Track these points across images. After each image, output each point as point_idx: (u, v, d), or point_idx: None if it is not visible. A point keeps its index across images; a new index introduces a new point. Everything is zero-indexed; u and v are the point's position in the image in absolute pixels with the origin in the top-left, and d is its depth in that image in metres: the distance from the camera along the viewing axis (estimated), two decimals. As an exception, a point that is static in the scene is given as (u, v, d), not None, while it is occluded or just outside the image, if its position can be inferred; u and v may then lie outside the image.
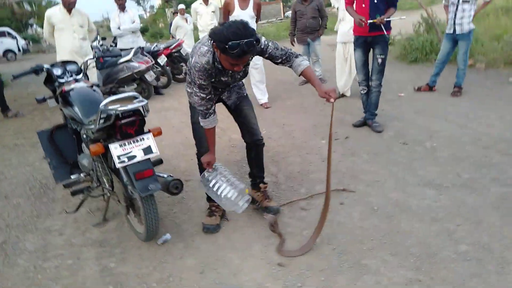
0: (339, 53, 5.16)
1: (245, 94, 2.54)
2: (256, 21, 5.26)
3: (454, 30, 4.69)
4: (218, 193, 2.33)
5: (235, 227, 2.56)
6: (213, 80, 2.17)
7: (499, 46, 6.21)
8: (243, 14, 4.90)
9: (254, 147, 2.61)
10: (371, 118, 4.05)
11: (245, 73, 2.34)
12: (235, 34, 1.86)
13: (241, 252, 2.32)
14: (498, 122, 3.85)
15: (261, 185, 2.70)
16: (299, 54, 2.23)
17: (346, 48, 5.05)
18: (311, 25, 5.81)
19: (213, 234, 2.52)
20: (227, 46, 1.87)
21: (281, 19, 21.69)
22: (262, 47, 2.13)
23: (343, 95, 5.31)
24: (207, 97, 2.18)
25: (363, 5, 3.70)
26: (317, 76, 2.14)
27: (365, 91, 4.08)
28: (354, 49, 4.01)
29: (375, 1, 3.65)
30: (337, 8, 5.20)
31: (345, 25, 4.93)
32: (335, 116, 4.69)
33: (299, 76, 2.25)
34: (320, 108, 4.89)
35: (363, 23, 3.59)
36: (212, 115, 2.26)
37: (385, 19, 3.57)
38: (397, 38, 8.22)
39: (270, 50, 2.16)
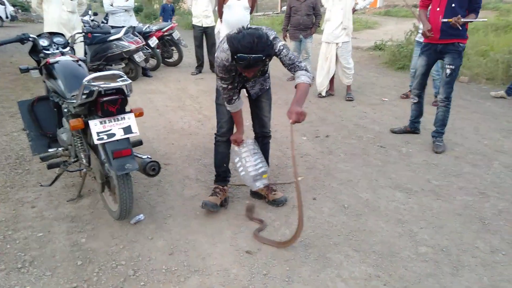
0: (321, 52, 5.24)
1: (267, 87, 2.59)
2: (251, 12, 5.27)
3: None
4: (240, 169, 2.59)
5: (209, 214, 2.61)
6: (233, 74, 2.28)
7: (484, 62, 6.39)
8: (238, 4, 4.91)
9: (261, 138, 2.72)
10: (436, 136, 3.65)
11: (264, 72, 2.41)
12: (246, 47, 1.94)
13: (212, 237, 2.37)
14: (472, 134, 4.00)
15: None
16: (305, 68, 2.26)
17: (328, 48, 5.12)
18: (305, 22, 5.85)
19: (186, 218, 2.56)
20: (236, 57, 1.97)
21: (278, 13, 21.64)
22: (276, 51, 2.20)
23: (330, 94, 5.43)
24: (229, 87, 2.32)
25: (438, 9, 3.30)
26: (303, 95, 2.17)
27: (416, 100, 3.79)
28: (420, 55, 3.69)
29: (453, 5, 3.21)
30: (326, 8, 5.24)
31: (330, 26, 5.01)
32: (318, 115, 4.77)
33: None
34: (304, 105, 4.94)
35: (430, 35, 3.29)
36: (236, 101, 2.41)
37: (461, 20, 3.15)
38: (388, 44, 8.34)
39: (281, 56, 2.23)
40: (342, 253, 2.22)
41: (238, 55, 1.95)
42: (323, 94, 5.38)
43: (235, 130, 2.64)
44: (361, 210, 2.65)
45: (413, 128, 3.91)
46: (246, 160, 2.56)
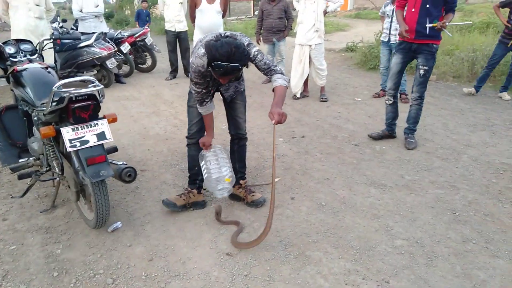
0: (295, 55, 5.30)
1: (242, 90, 2.61)
2: (223, 16, 5.29)
3: (389, 39, 5.03)
4: (203, 172, 2.52)
5: (188, 217, 2.60)
6: (208, 79, 2.30)
7: (450, 61, 6.65)
8: (210, 9, 4.92)
9: (237, 140, 2.73)
10: (408, 133, 3.74)
11: (238, 77, 2.44)
12: (223, 56, 1.96)
13: (191, 241, 2.36)
14: (441, 130, 4.15)
15: (241, 181, 2.76)
16: (280, 71, 2.29)
17: (302, 50, 5.19)
18: (277, 25, 5.91)
19: (165, 224, 2.54)
20: (213, 64, 1.99)
21: (250, 17, 21.76)
22: (251, 57, 2.23)
23: (305, 96, 5.50)
24: (202, 92, 2.35)
25: (413, 9, 3.34)
26: (281, 97, 2.20)
27: (391, 101, 3.77)
28: (394, 53, 3.69)
29: (427, 6, 3.26)
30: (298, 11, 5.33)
31: (303, 28, 5.08)
32: (293, 116, 4.82)
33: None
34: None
35: (406, 35, 3.32)
36: (208, 103, 2.42)
37: (446, 24, 3.21)
38: (359, 46, 8.55)
39: (257, 61, 2.26)
40: (321, 250, 2.26)
41: (216, 62, 1.98)
42: (298, 95, 5.45)
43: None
44: (338, 208, 2.70)
45: (391, 131, 3.88)
46: (210, 163, 2.51)
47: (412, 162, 3.40)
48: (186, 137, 2.66)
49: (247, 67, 2.16)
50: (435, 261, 2.16)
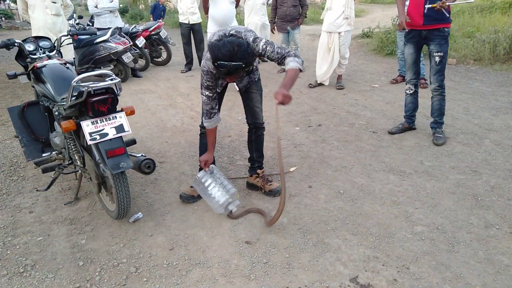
0: (322, 42, 5.15)
1: (256, 79, 2.62)
2: (236, 6, 5.27)
3: None
4: (211, 194, 2.45)
5: (206, 207, 2.63)
6: (220, 81, 2.35)
7: (470, 43, 6.45)
8: (223, -1, 4.90)
9: (255, 129, 2.73)
10: (435, 127, 3.51)
11: (249, 72, 2.39)
12: (225, 55, 1.99)
13: (210, 230, 2.40)
14: (462, 114, 4.05)
15: (258, 170, 2.78)
16: (293, 54, 2.26)
17: (330, 38, 5.03)
18: (291, 13, 5.85)
19: (184, 214, 2.58)
20: (216, 64, 2.03)
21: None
22: (261, 51, 2.23)
23: (320, 84, 5.42)
24: (213, 96, 2.39)
25: None
26: (291, 79, 2.17)
27: (412, 91, 3.59)
28: (405, 44, 3.52)
29: None
30: None
31: (332, 15, 4.90)
32: (310, 104, 4.80)
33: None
34: (296, 96, 4.98)
35: (404, 27, 3.23)
36: (216, 115, 2.46)
37: (446, 4, 3.03)
38: (375, 31, 8.38)
39: (268, 54, 2.24)
40: (340, 238, 2.26)
41: (219, 62, 2.02)
42: (326, 83, 5.37)
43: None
44: (356, 195, 2.69)
45: (411, 123, 3.69)
46: (214, 185, 2.45)
47: (431, 148, 3.33)
48: (201, 126, 2.68)
49: (251, 65, 2.14)
50: (456, 246, 2.13)
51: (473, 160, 3.07)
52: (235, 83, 2.56)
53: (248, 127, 2.77)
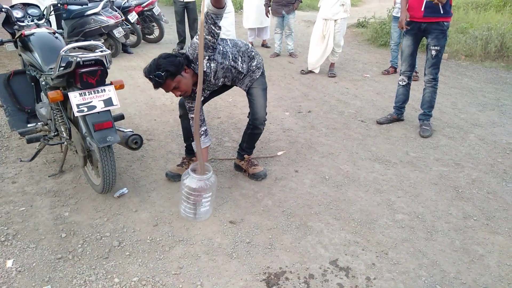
0: (317, 29, 5.09)
1: (257, 77, 2.56)
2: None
3: None
4: (185, 203, 2.27)
5: (192, 186, 2.64)
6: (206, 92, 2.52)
7: (463, 39, 6.49)
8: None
9: (252, 127, 2.64)
10: (423, 119, 3.55)
11: (216, 85, 2.47)
12: (145, 71, 2.23)
13: (196, 209, 2.41)
14: (450, 108, 4.11)
15: (245, 156, 2.77)
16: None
17: (326, 25, 4.97)
18: (287, -3, 5.78)
19: (170, 191, 2.59)
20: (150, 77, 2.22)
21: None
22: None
23: (311, 71, 5.41)
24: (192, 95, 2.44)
25: None
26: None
27: (404, 83, 3.59)
28: (404, 35, 3.50)
29: None
30: None
31: (328, 1, 4.83)
32: (301, 91, 4.78)
33: None
34: (287, 81, 4.97)
35: (404, 26, 3.25)
36: (205, 136, 2.52)
37: None
38: (370, 21, 8.35)
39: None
40: (322, 222, 2.30)
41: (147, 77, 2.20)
42: (316, 71, 5.35)
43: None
44: (341, 181, 2.72)
45: (399, 114, 3.73)
46: (202, 202, 2.27)
47: (417, 139, 3.38)
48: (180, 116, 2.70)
49: (174, 74, 2.20)
50: (434, 235, 2.19)
51: (457, 153, 3.14)
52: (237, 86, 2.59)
53: (249, 121, 2.68)
